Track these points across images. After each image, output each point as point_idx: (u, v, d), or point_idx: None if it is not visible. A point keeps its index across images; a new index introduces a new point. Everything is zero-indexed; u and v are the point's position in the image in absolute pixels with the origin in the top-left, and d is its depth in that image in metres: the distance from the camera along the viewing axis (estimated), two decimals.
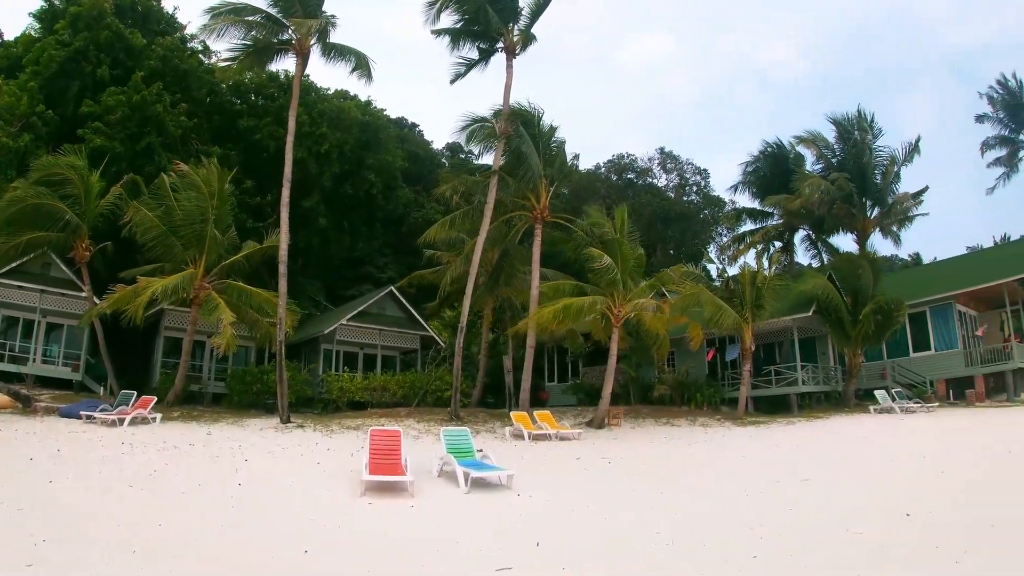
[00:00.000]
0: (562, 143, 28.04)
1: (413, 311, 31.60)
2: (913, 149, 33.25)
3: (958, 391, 26.47)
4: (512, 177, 25.87)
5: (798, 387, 25.94)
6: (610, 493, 12.02)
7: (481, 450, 14.16)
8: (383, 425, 18.24)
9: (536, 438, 19.07)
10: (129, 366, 27.75)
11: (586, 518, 9.92)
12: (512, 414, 20.96)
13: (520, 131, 25.24)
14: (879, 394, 24.20)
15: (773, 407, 26.10)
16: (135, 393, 20.56)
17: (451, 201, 28.23)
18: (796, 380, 26.04)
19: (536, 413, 21.17)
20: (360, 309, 30.21)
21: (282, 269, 21.82)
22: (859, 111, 34.57)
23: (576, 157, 48.77)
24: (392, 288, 31.86)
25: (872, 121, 34.11)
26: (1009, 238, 48.84)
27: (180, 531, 8.49)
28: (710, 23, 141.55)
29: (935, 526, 8.31)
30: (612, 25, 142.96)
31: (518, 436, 19.29)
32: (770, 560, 7.30)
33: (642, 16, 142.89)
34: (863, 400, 25.90)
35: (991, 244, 49.32)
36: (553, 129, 27.68)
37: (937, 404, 24.67)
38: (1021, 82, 46.64)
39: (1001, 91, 47.23)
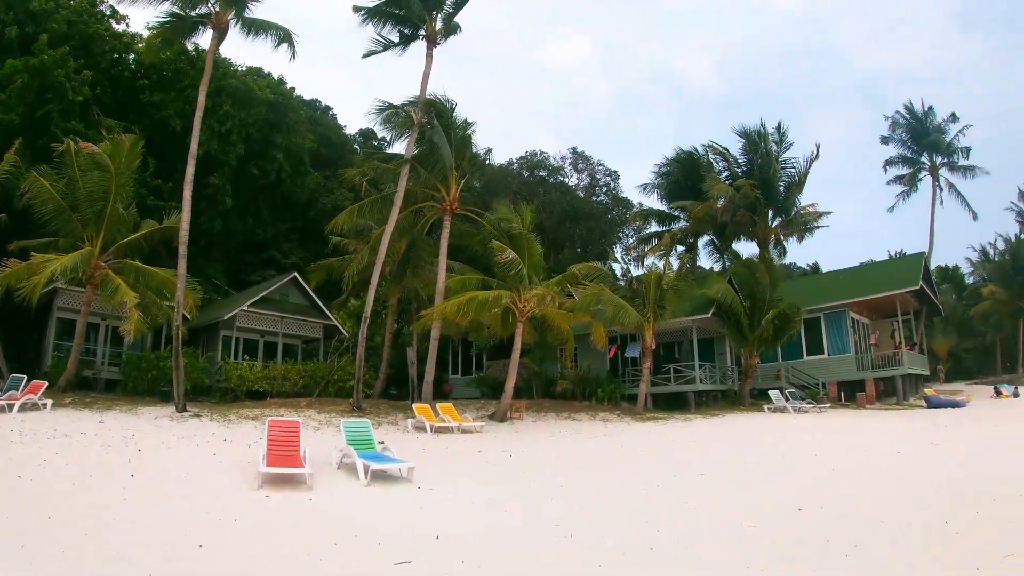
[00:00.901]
0: (470, 136, 28.09)
1: (316, 299, 30.98)
2: (815, 158, 34.51)
3: (849, 393, 28.05)
4: (424, 167, 25.71)
5: (696, 385, 26.68)
6: (511, 486, 12.08)
7: (382, 442, 14.01)
8: (282, 415, 17.92)
9: (438, 431, 19.06)
10: (20, 348, 26.27)
11: (486, 511, 9.95)
12: (414, 406, 20.84)
13: (434, 122, 25.12)
14: (773, 394, 25.35)
15: (671, 404, 26.78)
16: (25, 377, 19.65)
17: (360, 187, 27.91)
18: (694, 378, 26.78)
19: (439, 406, 21.14)
20: (262, 295, 29.30)
21: (182, 250, 20.78)
22: (778, 124, 35.65)
23: (489, 151, 48.89)
24: (295, 274, 31.21)
25: (783, 134, 35.20)
26: (904, 253, 52.00)
27: (70, 524, 8.08)
28: (630, 31, 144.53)
29: (826, 521, 8.65)
30: (532, 25, 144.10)
31: (420, 428, 19.22)
32: (666, 552, 7.46)
33: (563, 18, 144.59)
34: (758, 399, 27.00)
35: (886, 258, 52.51)
36: (467, 123, 27.71)
37: (829, 405, 26.02)
38: (930, 107, 50.02)
39: (907, 116, 50.37)
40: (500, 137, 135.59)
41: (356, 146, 50.32)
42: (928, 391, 30.42)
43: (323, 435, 16.87)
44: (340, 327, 31.27)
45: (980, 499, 9.43)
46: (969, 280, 66.38)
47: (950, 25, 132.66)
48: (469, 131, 27.81)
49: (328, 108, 52.93)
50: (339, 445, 13.36)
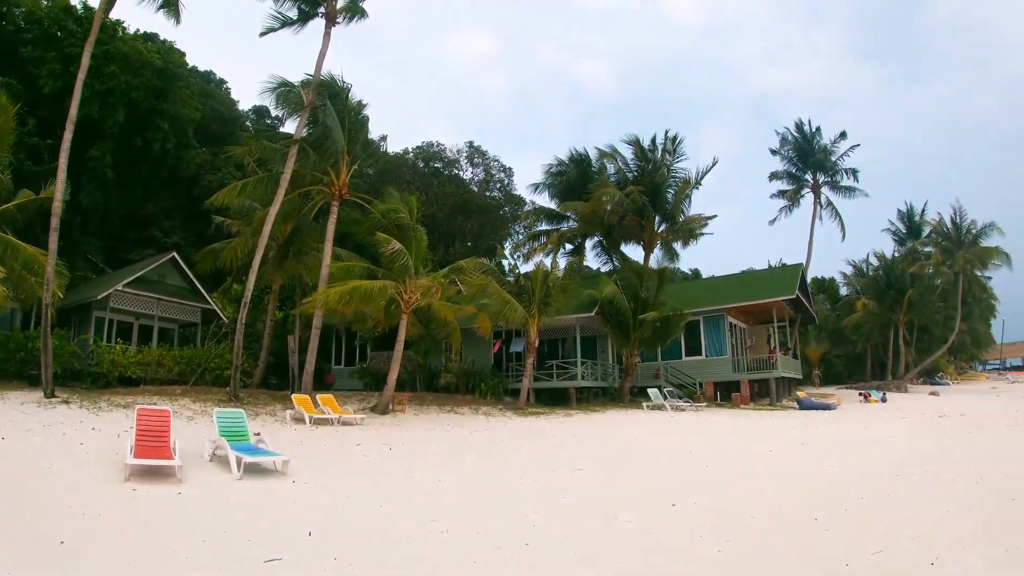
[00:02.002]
0: (366, 119, 27.77)
1: (196, 281, 29.79)
2: (708, 170, 35.45)
3: (725, 394, 29.51)
4: (315, 150, 25.12)
5: (578, 382, 27.33)
6: (389, 480, 11.99)
7: (258, 434, 13.71)
8: (155, 404, 17.31)
9: (317, 422, 18.76)
10: None
11: (362, 506, 9.84)
12: (293, 397, 20.35)
13: (327, 104, 24.63)
14: (652, 392, 26.27)
15: (554, 399, 27.36)
16: None
17: (247, 166, 27.17)
18: (576, 375, 27.42)
19: (319, 397, 20.78)
20: (138, 275, 27.83)
21: (54, 223, 19.20)
22: (671, 134, 36.20)
23: (384, 138, 48.37)
24: (174, 254, 29.91)
25: (676, 144, 35.85)
26: (783, 263, 55.01)
27: None
28: (532, 31, 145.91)
29: (699, 515, 8.96)
30: (436, 16, 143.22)
31: (299, 420, 18.84)
32: (540, 547, 7.56)
33: (465, 14, 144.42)
34: (637, 397, 27.94)
35: (766, 267, 55.39)
36: (362, 106, 27.33)
37: (705, 404, 27.23)
38: (818, 128, 53.05)
39: (796, 134, 53.30)
40: (397, 127, 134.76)
41: (248, 123, 48.66)
42: (800, 393, 32.27)
43: (197, 425, 16.32)
44: (219, 312, 30.25)
45: (848, 496, 9.97)
46: (843, 292, 70.73)
47: (846, 53, 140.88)
48: (363, 113, 27.39)
49: (223, 82, 51.06)
50: (212, 436, 12.99)
